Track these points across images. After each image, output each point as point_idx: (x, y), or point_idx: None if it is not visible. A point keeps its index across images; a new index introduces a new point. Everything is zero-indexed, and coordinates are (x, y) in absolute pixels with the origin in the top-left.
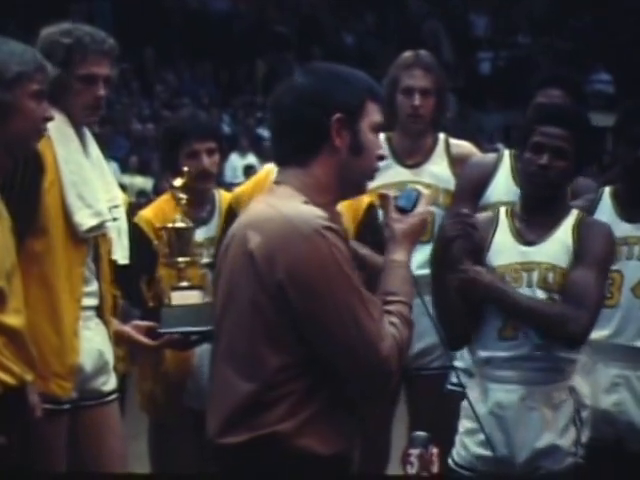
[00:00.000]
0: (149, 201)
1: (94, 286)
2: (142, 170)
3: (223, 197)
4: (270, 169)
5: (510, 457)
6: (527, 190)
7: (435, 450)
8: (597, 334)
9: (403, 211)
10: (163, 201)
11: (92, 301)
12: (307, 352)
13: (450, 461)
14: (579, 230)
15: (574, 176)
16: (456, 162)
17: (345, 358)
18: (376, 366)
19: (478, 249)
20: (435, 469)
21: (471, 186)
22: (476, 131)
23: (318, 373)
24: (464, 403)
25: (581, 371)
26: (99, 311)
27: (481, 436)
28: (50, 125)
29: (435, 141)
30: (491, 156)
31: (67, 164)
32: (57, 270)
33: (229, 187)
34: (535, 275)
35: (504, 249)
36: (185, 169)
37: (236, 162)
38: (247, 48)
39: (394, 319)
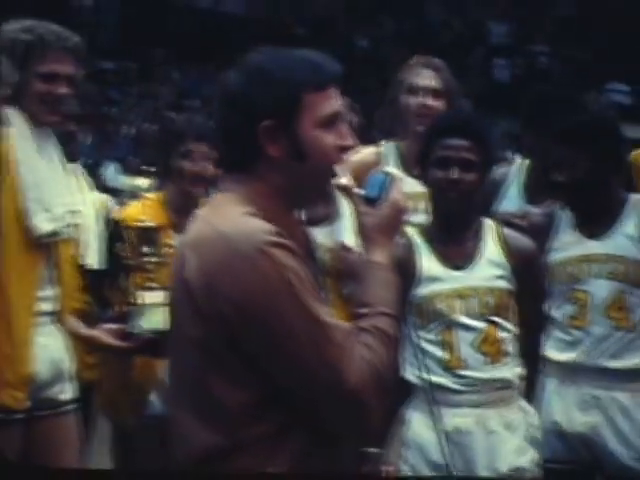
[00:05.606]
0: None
1: (50, 291)
2: (143, 171)
3: None
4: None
5: None
6: (440, 208)
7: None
8: (567, 355)
9: (372, 201)
10: (151, 202)
11: (48, 306)
12: (268, 387)
13: None
14: (507, 244)
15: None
16: None
17: (307, 392)
18: (345, 399)
19: (406, 273)
20: None
21: None
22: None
23: (288, 410)
24: (406, 431)
25: (553, 393)
26: (57, 317)
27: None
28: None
29: None
30: (501, 169)
31: (25, 165)
32: (10, 274)
33: None
34: (474, 302)
35: (434, 276)
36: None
37: None
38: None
39: (368, 338)
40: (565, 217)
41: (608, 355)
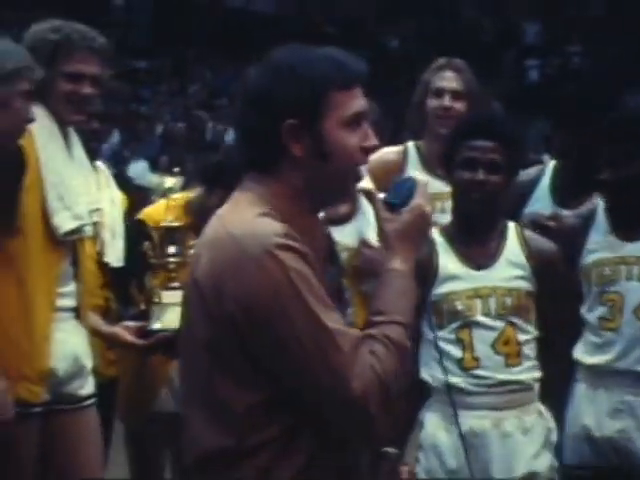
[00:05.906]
0: None
1: (71, 286)
2: (172, 170)
3: None
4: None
5: None
6: (464, 208)
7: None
8: (598, 358)
9: (395, 207)
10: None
11: (69, 302)
12: (275, 390)
13: None
14: (527, 246)
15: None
16: None
17: (311, 396)
18: (349, 406)
19: (426, 273)
20: None
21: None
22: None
23: (295, 413)
24: (420, 432)
25: (582, 397)
26: (77, 313)
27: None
28: (35, 123)
29: None
30: (532, 170)
31: (49, 164)
32: (33, 272)
33: None
34: (492, 302)
35: (454, 275)
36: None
37: None
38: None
39: (377, 346)
40: (600, 219)
41: (639, 359)
